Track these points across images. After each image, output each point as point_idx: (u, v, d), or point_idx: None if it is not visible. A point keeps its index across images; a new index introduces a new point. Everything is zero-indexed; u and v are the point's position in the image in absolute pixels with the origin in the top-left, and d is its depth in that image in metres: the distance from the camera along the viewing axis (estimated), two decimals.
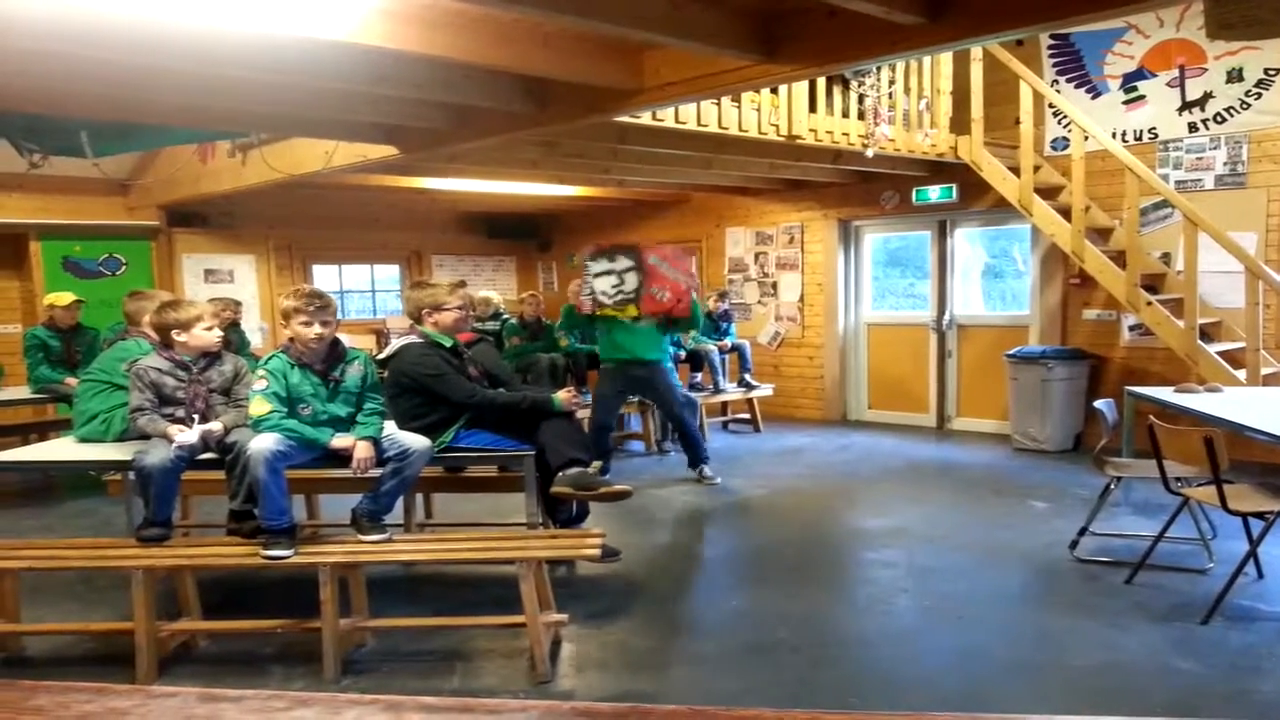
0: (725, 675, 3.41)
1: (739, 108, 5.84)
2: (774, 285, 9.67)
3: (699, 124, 5.63)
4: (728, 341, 8.49)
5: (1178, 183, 6.90)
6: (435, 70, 4.39)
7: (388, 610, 3.86)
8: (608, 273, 6.22)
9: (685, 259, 6.41)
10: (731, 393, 8.41)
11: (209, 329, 3.83)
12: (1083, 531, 4.71)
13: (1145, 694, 3.17)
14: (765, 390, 8.65)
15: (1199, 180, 6.89)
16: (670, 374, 6.57)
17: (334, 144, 6.50)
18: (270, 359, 3.65)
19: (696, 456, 6.63)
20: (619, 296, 6.18)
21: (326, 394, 3.71)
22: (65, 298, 6.95)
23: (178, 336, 3.78)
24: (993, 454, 7.44)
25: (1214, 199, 6.73)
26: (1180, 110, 6.95)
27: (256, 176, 7.48)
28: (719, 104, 5.69)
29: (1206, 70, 6.78)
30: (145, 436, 3.68)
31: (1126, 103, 7.21)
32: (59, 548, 3.88)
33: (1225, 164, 6.77)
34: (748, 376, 8.45)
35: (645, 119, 5.37)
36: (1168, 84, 6.99)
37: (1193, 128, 6.90)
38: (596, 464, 4.08)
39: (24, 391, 6.91)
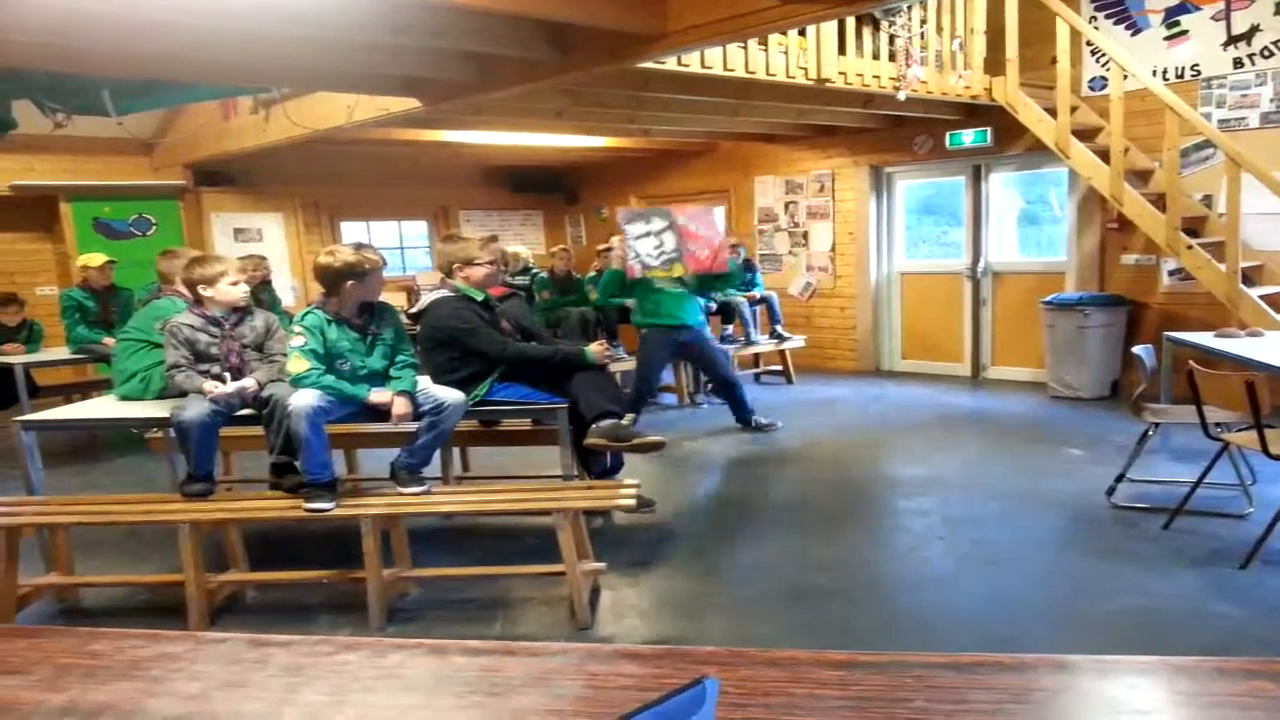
0: (763, 620, 3.45)
1: (766, 51, 5.72)
2: (805, 235, 9.56)
3: (725, 68, 5.52)
4: (755, 293, 8.42)
5: (1221, 121, 6.69)
6: (456, 18, 4.33)
7: (429, 561, 3.92)
8: (646, 235, 6.18)
9: (712, 215, 6.37)
10: (763, 344, 8.38)
11: (234, 284, 3.85)
12: (1120, 478, 4.66)
13: (1182, 637, 3.17)
14: (797, 342, 8.60)
15: (1243, 118, 6.67)
16: (710, 337, 6.61)
17: (355, 98, 6.46)
18: (306, 315, 3.67)
19: (743, 415, 6.62)
20: (663, 257, 6.16)
21: (365, 348, 3.73)
22: (97, 259, 7.02)
23: (204, 291, 3.82)
24: (1028, 402, 7.37)
25: (1259, 138, 6.52)
26: (1225, 45, 6.71)
27: (280, 133, 7.47)
28: (745, 47, 5.57)
29: (1254, 1, 6.53)
30: (184, 393, 3.74)
31: (1168, 38, 6.97)
32: (107, 503, 3.97)
33: (1272, 100, 6.54)
34: (779, 328, 8.39)
35: (670, 64, 5.28)
36: (1212, 17, 6.74)
37: (1238, 63, 6.67)
38: (630, 416, 4.09)
39: (63, 352, 7.03)
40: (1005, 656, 1.09)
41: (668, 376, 8.09)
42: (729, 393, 6.66)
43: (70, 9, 3.78)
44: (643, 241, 6.18)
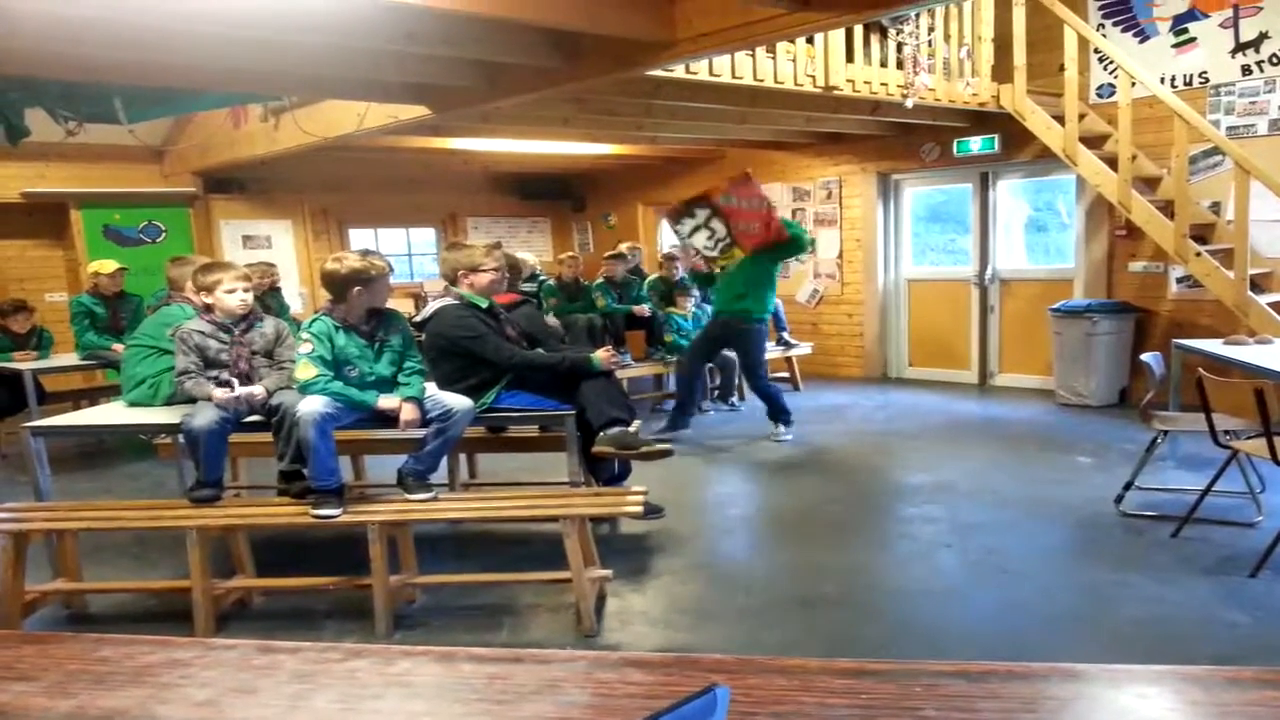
0: (771, 628, 3.43)
1: (774, 59, 5.73)
2: (812, 242, 9.54)
3: (733, 76, 5.53)
4: None
5: (1229, 128, 6.68)
6: (465, 26, 4.35)
7: (436, 567, 3.92)
8: (697, 228, 6.19)
9: (749, 184, 6.23)
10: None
11: (230, 291, 3.83)
12: (1128, 486, 4.64)
13: (1192, 646, 3.14)
14: (804, 349, 8.60)
15: (1252, 125, 6.66)
16: (758, 334, 6.54)
17: (365, 106, 6.49)
18: (314, 321, 3.68)
19: (777, 410, 6.57)
20: (720, 245, 6.17)
21: (373, 355, 3.74)
22: (109, 265, 7.06)
23: (204, 299, 3.84)
24: (1036, 410, 7.35)
25: (1268, 145, 6.50)
26: (1233, 52, 6.70)
27: (290, 140, 7.51)
28: (753, 55, 5.59)
29: (1262, 9, 6.52)
30: (192, 400, 3.75)
31: (1176, 46, 6.97)
32: (115, 509, 3.98)
33: None
34: (785, 335, 8.39)
35: (678, 72, 5.30)
36: (1220, 25, 6.74)
37: (1246, 70, 6.65)
38: (637, 423, 4.08)
39: (72, 358, 7.06)
40: (1015, 665, 1.09)
41: (673, 384, 8.08)
42: (757, 392, 6.61)
43: (88, 18, 3.81)
44: (696, 236, 6.18)
